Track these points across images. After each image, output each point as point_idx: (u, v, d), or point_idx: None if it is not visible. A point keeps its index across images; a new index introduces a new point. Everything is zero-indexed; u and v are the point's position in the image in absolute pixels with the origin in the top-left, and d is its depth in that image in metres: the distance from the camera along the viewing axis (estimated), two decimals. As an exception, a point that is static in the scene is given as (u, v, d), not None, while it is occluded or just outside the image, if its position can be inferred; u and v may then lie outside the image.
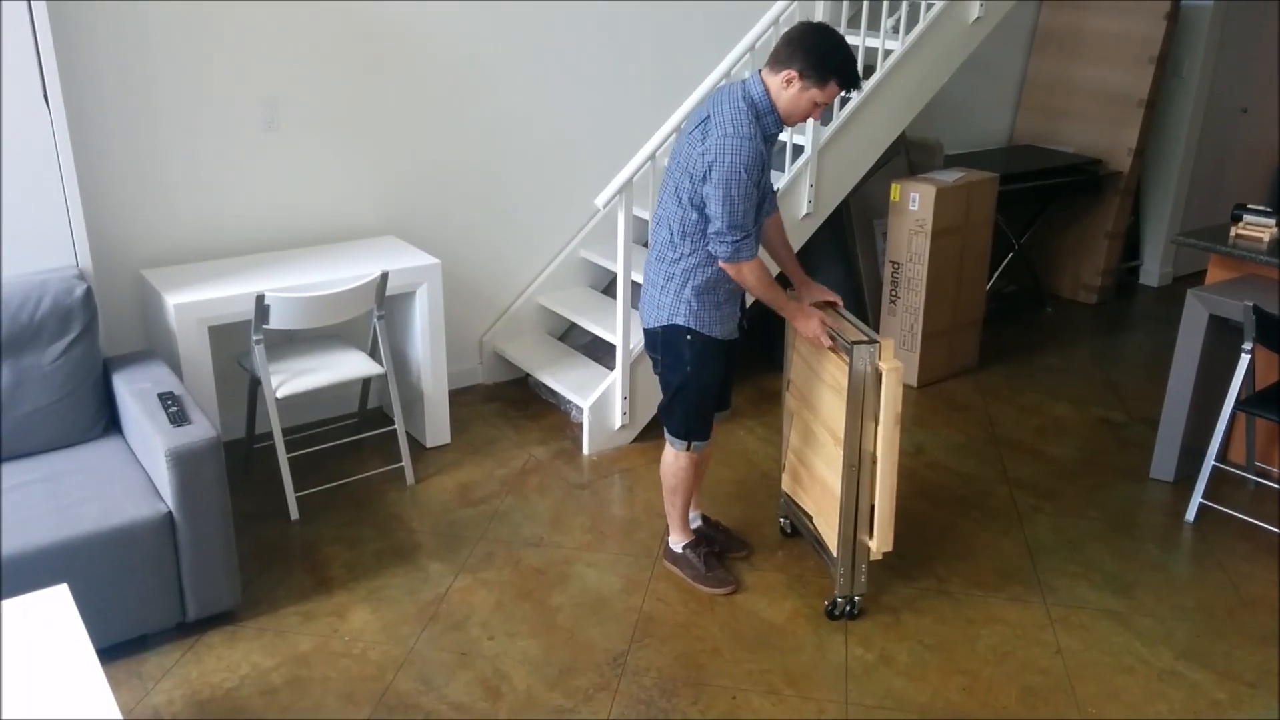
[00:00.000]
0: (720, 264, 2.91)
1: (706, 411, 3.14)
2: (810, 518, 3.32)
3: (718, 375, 3.10)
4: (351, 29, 3.91)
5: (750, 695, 2.81)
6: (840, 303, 3.16)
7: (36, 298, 3.03)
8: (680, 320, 3.00)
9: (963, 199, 4.64)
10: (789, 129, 2.95)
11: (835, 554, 3.08)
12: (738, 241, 2.84)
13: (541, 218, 4.63)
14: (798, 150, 4.23)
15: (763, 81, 2.85)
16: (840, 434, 2.96)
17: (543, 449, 4.13)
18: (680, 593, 3.24)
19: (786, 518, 3.55)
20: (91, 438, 3.16)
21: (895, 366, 2.80)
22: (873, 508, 2.97)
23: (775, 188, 3.43)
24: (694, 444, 3.16)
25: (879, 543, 3.00)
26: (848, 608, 3.12)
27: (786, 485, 3.50)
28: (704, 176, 2.82)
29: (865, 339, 2.84)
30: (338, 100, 3.97)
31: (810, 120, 4.15)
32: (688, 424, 3.13)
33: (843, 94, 2.82)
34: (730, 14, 4.72)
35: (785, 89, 2.82)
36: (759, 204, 2.91)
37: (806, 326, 3.02)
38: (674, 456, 3.19)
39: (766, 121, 2.85)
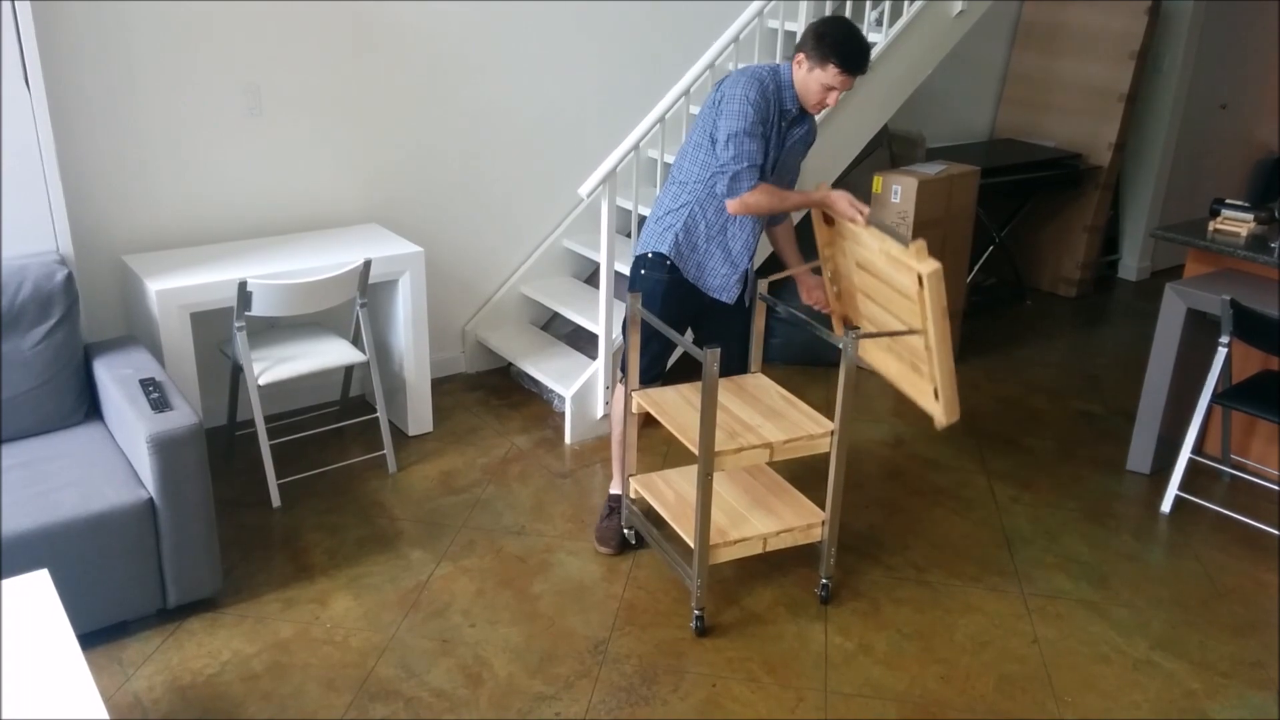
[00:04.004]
0: (728, 208, 3.08)
1: (651, 350, 3.27)
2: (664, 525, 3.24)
3: (667, 316, 3.21)
4: (336, 16, 3.89)
5: (730, 683, 2.83)
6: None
7: (16, 283, 3.01)
8: (663, 249, 3.19)
9: (944, 192, 4.67)
10: (811, 115, 3.21)
11: (694, 567, 2.96)
12: (739, 170, 3.01)
13: (525, 207, 4.63)
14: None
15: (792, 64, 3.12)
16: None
17: (524, 438, 4.14)
18: (661, 581, 3.25)
19: (631, 528, 3.40)
20: (72, 424, 3.15)
21: (935, 268, 2.79)
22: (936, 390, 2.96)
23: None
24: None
25: (947, 414, 2.97)
26: (702, 622, 3.02)
27: (640, 492, 3.30)
28: (716, 113, 3.04)
29: (858, 328, 2.82)
30: (321, 87, 3.96)
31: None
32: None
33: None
34: (715, 6, 4.72)
35: (798, 69, 3.07)
36: (767, 154, 3.08)
37: (838, 202, 3.09)
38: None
39: (785, 96, 3.09)
